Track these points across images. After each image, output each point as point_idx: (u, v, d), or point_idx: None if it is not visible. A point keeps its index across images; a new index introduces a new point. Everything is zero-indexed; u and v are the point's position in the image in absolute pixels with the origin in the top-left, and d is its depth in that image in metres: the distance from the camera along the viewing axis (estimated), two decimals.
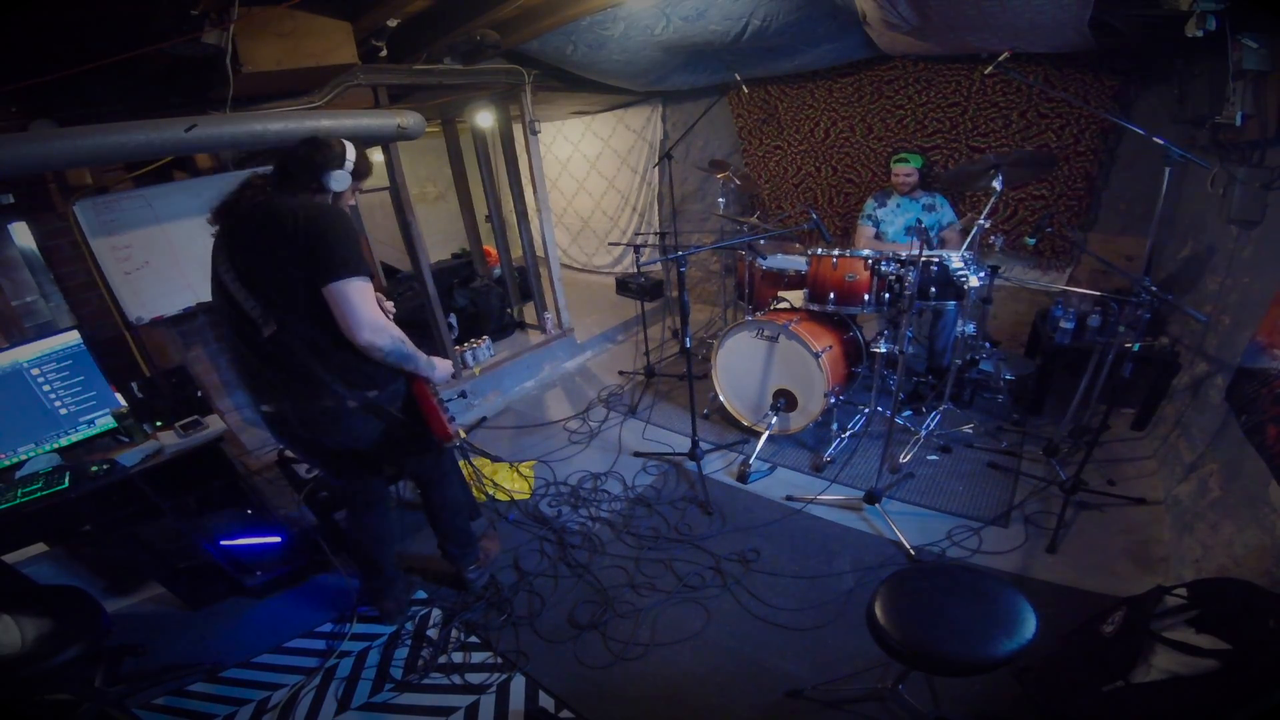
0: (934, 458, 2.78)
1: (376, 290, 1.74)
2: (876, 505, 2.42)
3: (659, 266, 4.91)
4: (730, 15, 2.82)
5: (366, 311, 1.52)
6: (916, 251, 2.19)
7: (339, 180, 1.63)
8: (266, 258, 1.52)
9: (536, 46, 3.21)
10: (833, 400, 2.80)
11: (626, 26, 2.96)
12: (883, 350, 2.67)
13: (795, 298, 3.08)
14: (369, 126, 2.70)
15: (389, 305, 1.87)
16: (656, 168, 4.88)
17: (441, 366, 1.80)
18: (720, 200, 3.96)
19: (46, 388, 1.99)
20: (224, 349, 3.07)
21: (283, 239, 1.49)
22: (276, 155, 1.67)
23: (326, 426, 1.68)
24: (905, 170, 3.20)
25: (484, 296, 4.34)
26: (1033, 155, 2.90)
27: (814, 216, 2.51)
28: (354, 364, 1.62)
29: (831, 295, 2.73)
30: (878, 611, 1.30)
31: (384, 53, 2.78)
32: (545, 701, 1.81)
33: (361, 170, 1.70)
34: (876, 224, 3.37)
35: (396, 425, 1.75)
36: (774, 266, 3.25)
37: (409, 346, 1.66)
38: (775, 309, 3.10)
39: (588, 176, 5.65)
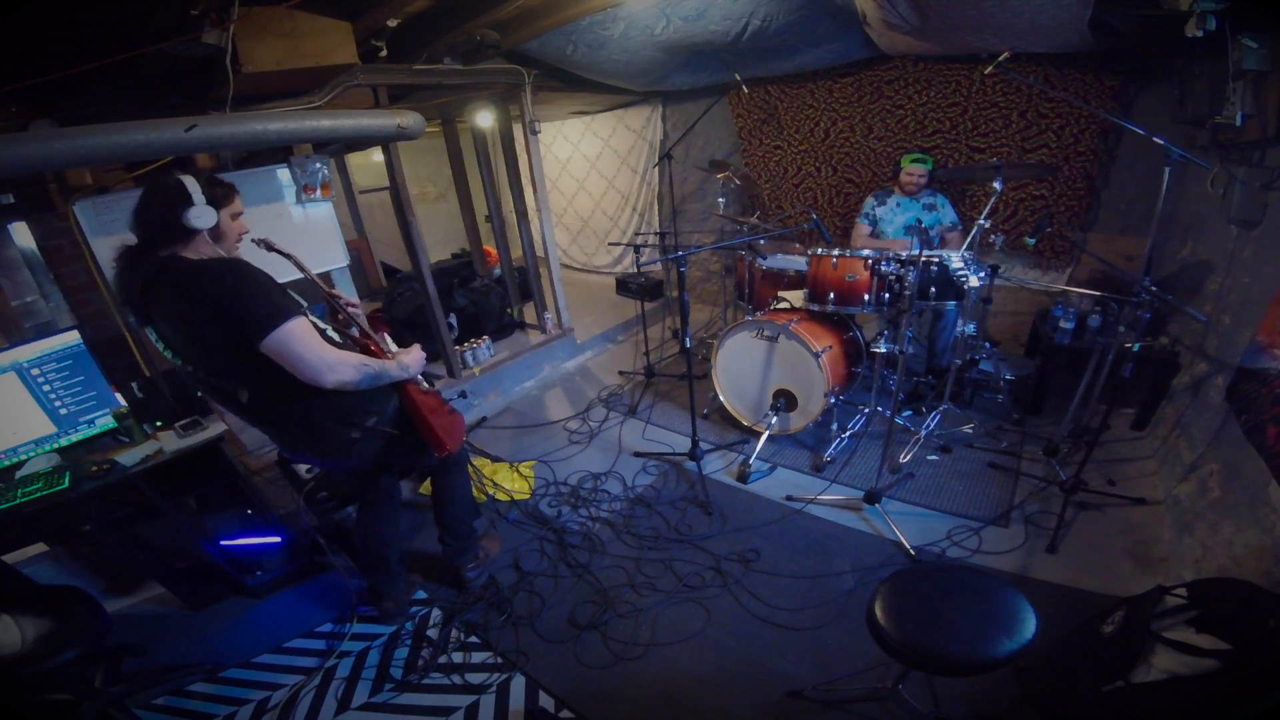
0: (934, 458, 2.78)
1: (330, 292, 1.70)
2: (876, 505, 2.42)
3: (659, 266, 4.91)
4: (730, 15, 2.82)
5: (314, 354, 1.43)
6: (916, 251, 2.19)
7: (202, 216, 1.43)
8: (196, 342, 1.46)
9: (536, 47, 3.20)
10: (833, 400, 2.80)
11: (626, 26, 2.96)
12: (883, 350, 2.67)
13: (795, 298, 3.08)
14: (369, 126, 2.70)
15: (342, 297, 1.73)
16: (656, 168, 4.88)
17: (412, 360, 1.74)
18: (720, 200, 3.96)
19: (46, 388, 1.99)
20: None
21: (195, 320, 1.40)
22: (133, 220, 1.47)
23: (335, 453, 1.72)
24: (920, 171, 3.17)
25: (484, 296, 4.34)
26: (1036, 166, 2.92)
27: (814, 216, 2.51)
28: (346, 400, 1.61)
29: (831, 295, 2.73)
30: (878, 611, 1.30)
31: (384, 53, 2.78)
32: (545, 701, 1.81)
33: (217, 196, 1.49)
34: (874, 222, 3.37)
35: (398, 440, 1.78)
36: (774, 266, 3.25)
37: (375, 366, 1.59)
38: (775, 309, 3.10)
39: (588, 176, 5.65)
